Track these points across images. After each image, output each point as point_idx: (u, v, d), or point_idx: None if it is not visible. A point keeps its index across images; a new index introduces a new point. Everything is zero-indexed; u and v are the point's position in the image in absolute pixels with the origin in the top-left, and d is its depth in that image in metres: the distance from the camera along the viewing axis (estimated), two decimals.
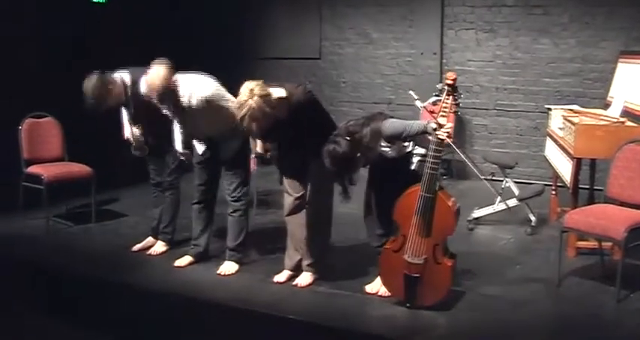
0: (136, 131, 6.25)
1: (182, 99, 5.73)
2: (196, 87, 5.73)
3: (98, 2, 8.90)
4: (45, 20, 8.13)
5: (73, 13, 8.35)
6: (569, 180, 6.19)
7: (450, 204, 4.91)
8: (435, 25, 9.39)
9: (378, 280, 5.37)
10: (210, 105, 5.71)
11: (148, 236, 6.56)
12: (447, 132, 4.75)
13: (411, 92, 5.04)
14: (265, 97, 5.03)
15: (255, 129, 5.14)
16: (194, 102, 5.68)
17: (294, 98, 5.28)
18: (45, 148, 7.40)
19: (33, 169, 7.13)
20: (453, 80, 4.82)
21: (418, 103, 4.94)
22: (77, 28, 8.32)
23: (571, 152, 6.07)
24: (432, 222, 4.91)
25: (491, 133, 9.37)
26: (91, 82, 5.94)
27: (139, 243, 6.51)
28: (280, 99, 5.18)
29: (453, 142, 4.80)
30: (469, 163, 4.99)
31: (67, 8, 8.33)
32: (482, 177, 4.93)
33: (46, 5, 8.18)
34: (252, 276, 5.82)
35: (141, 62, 5.96)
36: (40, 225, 7.08)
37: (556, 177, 7.18)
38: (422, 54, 9.46)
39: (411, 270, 5.00)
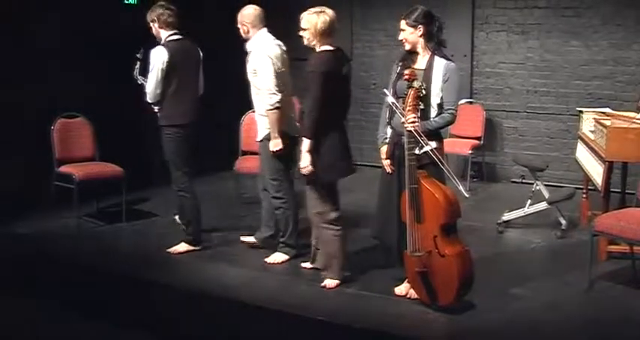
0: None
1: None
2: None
3: (130, 3, 8.98)
4: (77, 20, 8.20)
5: (106, 14, 8.42)
6: (600, 184, 6.15)
7: (433, 190, 4.88)
8: (466, 27, 9.36)
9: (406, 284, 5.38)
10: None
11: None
12: (411, 124, 4.82)
13: (385, 90, 5.13)
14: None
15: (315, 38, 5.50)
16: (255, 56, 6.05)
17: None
18: (76, 148, 7.46)
19: (65, 169, 7.19)
20: (408, 74, 4.89)
21: (389, 99, 5.06)
22: (109, 28, 8.39)
23: (603, 155, 6.03)
24: (422, 212, 4.92)
25: (521, 136, 9.31)
26: None
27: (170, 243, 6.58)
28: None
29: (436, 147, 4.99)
30: (443, 167, 5.00)
31: (100, 9, 8.41)
32: (453, 177, 4.98)
33: (80, 5, 8.26)
34: (281, 277, 5.85)
35: None
36: (72, 224, 7.15)
37: (587, 180, 7.13)
38: (452, 56, 9.39)
39: (418, 265, 5.01)
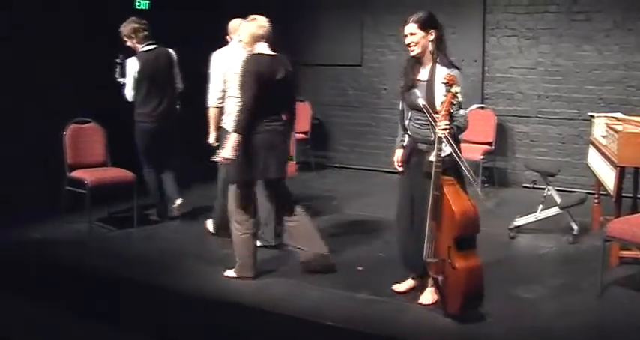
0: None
1: None
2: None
3: (142, 8, 9.01)
4: (88, 26, 8.24)
5: (117, 20, 8.45)
6: (612, 189, 6.13)
7: (452, 202, 4.79)
8: (477, 32, 9.35)
9: (407, 283, 5.45)
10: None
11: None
12: (443, 130, 4.74)
13: (415, 90, 5.08)
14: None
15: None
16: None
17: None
18: (88, 153, 7.47)
19: (76, 174, 7.20)
20: (448, 79, 4.80)
21: (420, 101, 5.01)
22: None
23: (614, 160, 6.01)
24: (441, 221, 4.89)
25: (533, 141, 9.30)
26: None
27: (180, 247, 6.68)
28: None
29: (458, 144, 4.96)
30: (464, 168, 4.97)
31: (112, 14, 8.44)
32: (473, 180, 4.95)
33: (91, 10, 8.30)
34: (290, 282, 5.84)
35: None
36: (83, 229, 7.17)
37: (599, 185, 7.10)
38: (463, 61, 9.42)
39: (432, 271, 5.03)
